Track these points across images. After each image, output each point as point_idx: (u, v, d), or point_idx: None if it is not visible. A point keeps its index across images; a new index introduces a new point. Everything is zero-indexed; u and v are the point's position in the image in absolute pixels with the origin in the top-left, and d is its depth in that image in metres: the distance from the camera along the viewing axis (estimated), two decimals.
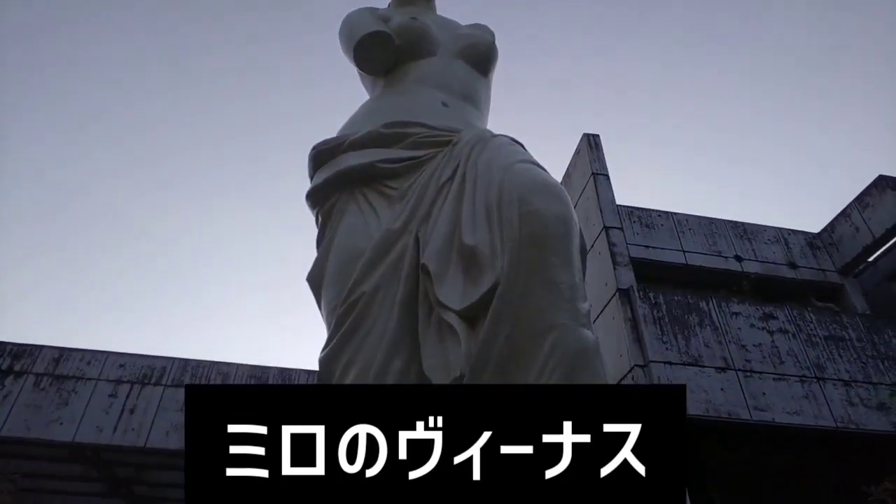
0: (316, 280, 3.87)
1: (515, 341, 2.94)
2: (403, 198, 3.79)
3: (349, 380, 3.23)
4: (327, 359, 3.44)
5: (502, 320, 2.99)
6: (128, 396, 9.57)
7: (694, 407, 6.46)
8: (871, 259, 9.95)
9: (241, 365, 10.67)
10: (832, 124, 40.56)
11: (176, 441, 9.43)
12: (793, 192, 43.64)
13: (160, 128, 32.97)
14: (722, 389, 6.70)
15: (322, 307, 3.87)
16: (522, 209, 3.28)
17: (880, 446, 6.71)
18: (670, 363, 6.79)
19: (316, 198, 4.04)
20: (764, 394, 6.78)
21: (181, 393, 10.04)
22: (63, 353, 9.87)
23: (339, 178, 3.91)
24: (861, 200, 9.78)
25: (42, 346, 9.86)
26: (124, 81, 31.01)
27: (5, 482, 8.73)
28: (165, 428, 9.52)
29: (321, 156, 4.07)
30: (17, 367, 9.57)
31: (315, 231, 4.21)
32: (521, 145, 4.08)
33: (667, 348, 6.94)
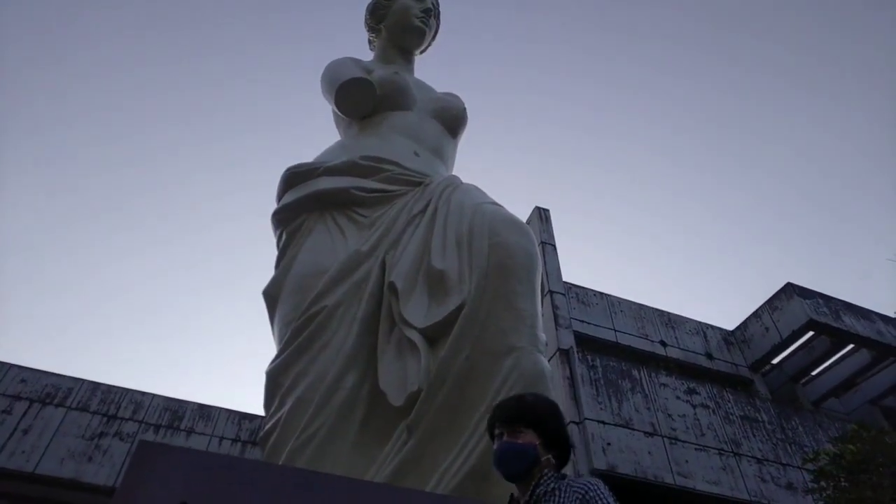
0: (273, 294, 3.83)
1: (475, 361, 3.02)
2: (373, 226, 3.88)
3: (298, 391, 3.17)
4: (276, 370, 3.38)
5: (465, 339, 3.09)
6: (24, 415, 8.68)
7: (624, 466, 6.70)
8: (776, 361, 11.00)
9: (157, 396, 9.95)
10: (753, 231, 44.60)
11: (71, 470, 8.56)
12: (714, 288, 47.14)
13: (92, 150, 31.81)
14: (649, 453, 6.98)
15: (275, 321, 3.81)
16: (493, 240, 3.46)
17: None
18: (604, 423, 7.03)
19: (283, 216, 4.06)
20: (687, 461, 7.09)
21: (85, 417, 9.19)
22: None
23: (310, 200, 3.97)
24: (771, 304, 10.83)
25: None
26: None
27: None
28: (60, 455, 8.63)
29: (294, 178, 4.13)
30: None
31: (273, 254, 4.18)
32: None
33: (601, 408, 7.20)
